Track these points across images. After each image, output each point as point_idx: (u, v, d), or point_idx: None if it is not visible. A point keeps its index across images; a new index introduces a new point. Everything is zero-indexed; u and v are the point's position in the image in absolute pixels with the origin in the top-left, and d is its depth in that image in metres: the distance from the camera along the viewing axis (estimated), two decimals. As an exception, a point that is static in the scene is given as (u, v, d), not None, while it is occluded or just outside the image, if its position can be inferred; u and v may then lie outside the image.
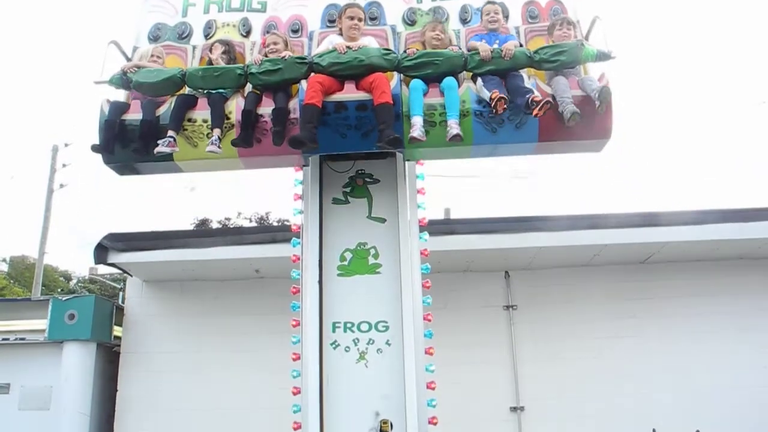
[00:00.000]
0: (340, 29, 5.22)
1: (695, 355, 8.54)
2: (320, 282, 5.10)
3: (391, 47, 5.18)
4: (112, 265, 8.66)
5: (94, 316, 8.67)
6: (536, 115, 4.50)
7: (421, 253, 5.21)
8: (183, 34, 5.58)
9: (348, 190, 5.32)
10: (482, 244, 8.12)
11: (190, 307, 9.02)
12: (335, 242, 5.20)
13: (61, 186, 23.47)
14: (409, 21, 5.54)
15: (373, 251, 5.18)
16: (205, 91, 4.96)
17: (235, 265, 8.51)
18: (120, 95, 5.15)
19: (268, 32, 5.44)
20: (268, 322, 8.14)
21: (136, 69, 5.01)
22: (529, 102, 4.50)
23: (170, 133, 4.79)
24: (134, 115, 4.92)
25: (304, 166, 5.32)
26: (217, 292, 9.01)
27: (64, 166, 23.61)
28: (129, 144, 4.89)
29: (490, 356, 8.58)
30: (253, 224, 22.67)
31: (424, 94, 4.75)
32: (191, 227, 22.59)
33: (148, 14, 5.68)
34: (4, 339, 8.83)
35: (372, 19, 5.47)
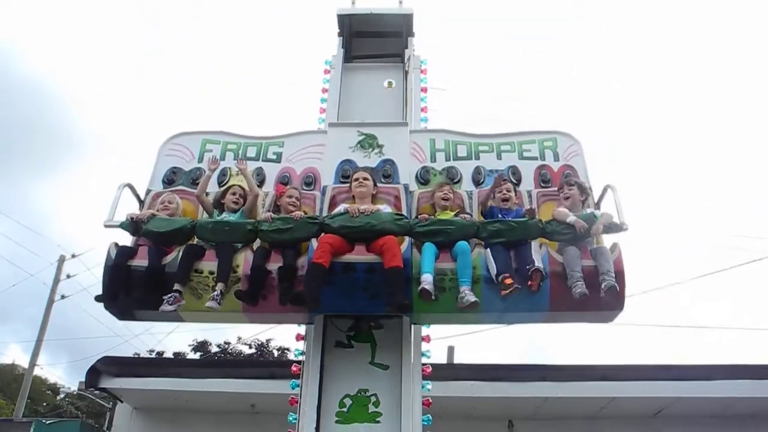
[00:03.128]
0: (353, 197, 5.24)
1: None
2: (317, 429, 4.86)
3: (404, 205, 5.22)
4: (103, 389, 8.44)
5: (77, 444, 8.29)
6: (503, 296, 4.48)
7: (424, 404, 5.02)
8: (197, 180, 5.58)
9: (352, 334, 5.14)
10: (485, 392, 7.92)
11: (179, 439, 8.66)
12: (335, 387, 4.96)
13: (63, 297, 23.27)
14: (423, 180, 5.58)
15: (373, 399, 4.95)
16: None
17: (230, 398, 8.27)
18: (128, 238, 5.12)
19: (282, 184, 5.51)
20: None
21: (148, 218, 5.00)
22: (499, 281, 4.51)
23: (176, 286, 4.70)
24: (141, 261, 4.85)
25: (308, 323, 5.21)
26: (210, 425, 8.69)
27: (68, 276, 23.52)
28: (133, 291, 4.79)
29: None
30: (253, 351, 22.17)
31: (436, 258, 4.69)
32: (189, 348, 22.13)
33: (165, 157, 5.77)
34: (-20, 463, 8.40)
35: (386, 176, 5.50)
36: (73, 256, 23.86)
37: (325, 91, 6.54)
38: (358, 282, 4.68)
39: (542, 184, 5.49)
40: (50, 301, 22.91)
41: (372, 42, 7.09)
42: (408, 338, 5.06)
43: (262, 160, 5.75)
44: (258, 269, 4.69)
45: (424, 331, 5.28)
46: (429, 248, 4.72)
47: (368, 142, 5.66)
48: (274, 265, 4.76)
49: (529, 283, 4.46)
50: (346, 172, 5.49)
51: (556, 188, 5.36)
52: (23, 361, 27.19)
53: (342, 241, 4.72)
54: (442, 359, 14.18)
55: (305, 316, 5.06)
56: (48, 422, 8.53)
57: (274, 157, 5.78)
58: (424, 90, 6.51)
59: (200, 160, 5.78)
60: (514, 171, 5.56)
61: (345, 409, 4.92)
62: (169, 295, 4.63)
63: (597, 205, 5.20)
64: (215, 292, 4.66)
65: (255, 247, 4.92)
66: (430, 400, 5.06)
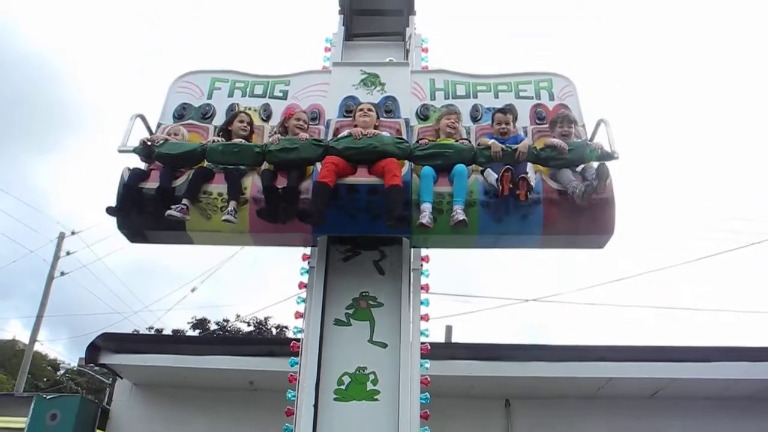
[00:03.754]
0: (355, 127, 5.39)
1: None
2: (315, 406, 4.88)
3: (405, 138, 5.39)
4: (103, 365, 8.48)
5: (77, 419, 8.35)
6: (500, 194, 4.72)
7: (422, 382, 5.03)
8: (206, 115, 5.82)
9: (351, 311, 5.14)
10: (483, 371, 7.96)
11: (180, 414, 8.74)
12: (334, 365, 4.98)
13: (62, 274, 23.34)
14: (422, 116, 5.79)
15: (372, 377, 4.96)
16: (223, 167, 5.12)
17: (229, 375, 8.33)
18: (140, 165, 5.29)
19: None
20: (259, 438, 7.81)
21: (161, 141, 5.20)
22: (497, 180, 4.74)
23: (184, 200, 4.91)
24: (152, 184, 5.05)
25: (312, 246, 5.39)
26: (209, 402, 8.74)
27: (68, 253, 23.58)
28: (144, 211, 5.00)
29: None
30: (251, 328, 22.27)
31: (434, 182, 4.90)
32: (188, 325, 22.25)
33: (175, 94, 5.96)
34: (-21, 437, 8.46)
35: (387, 112, 5.71)
36: (73, 233, 23.96)
37: (325, 68, 6.51)
38: (360, 203, 4.89)
39: (537, 121, 5.69)
40: (50, 278, 23.03)
41: (373, 20, 7.13)
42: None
43: (269, 97, 5.95)
44: (270, 188, 4.86)
45: (423, 309, 5.27)
46: (427, 174, 4.90)
47: (371, 80, 5.90)
48: (280, 186, 4.93)
49: (517, 192, 4.67)
50: (349, 107, 5.70)
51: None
52: (24, 337, 27.42)
53: (345, 163, 4.93)
54: (440, 338, 14.30)
55: (309, 238, 5.24)
56: (48, 397, 8.55)
57: (281, 94, 5.97)
58: (425, 69, 6.52)
59: (209, 96, 5.97)
60: (511, 108, 5.69)
61: (343, 387, 4.95)
62: (177, 206, 4.84)
63: (591, 139, 5.35)
64: (229, 207, 4.87)
65: (261, 170, 5.10)
66: (429, 379, 5.07)
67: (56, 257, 23.29)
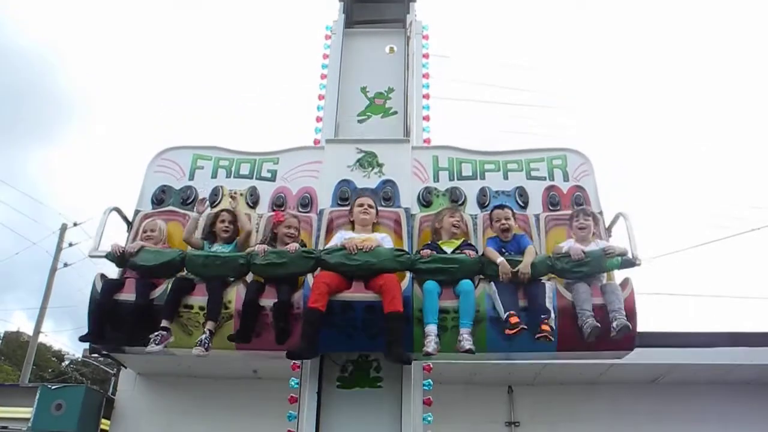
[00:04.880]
0: (352, 222, 5.02)
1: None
2: (319, 393, 4.90)
3: (404, 231, 5.00)
4: (107, 356, 8.50)
5: (83, 408, 8.38)
6: (508, 335, 4.27)
7: (424, 369, 5.03)
8: (188, 200, 5.36)
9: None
10: (486, 357, 7.92)
11: (184, 404, 8.75)
12: (337, 352, 5.01)
13: (65, 265, 23.35)
14: (425, 202, 5.30)
15: (375, 364, 4.99)
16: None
17: (232, 364, 8.28)
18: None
19: (277, 206, 5.28)
20: (264, 427, 7.82)
21: (137, 249, 4.77)
22: (505, 319, 4.31)
23: (164, 323, 4.47)
24: (128, 295, 4.63)
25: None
26: (213, 391, 8.77)
27: (70, 245, 23.59)
28: (120, 326, 4.59)
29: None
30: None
31: (438, 297, 4.48)
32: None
33: (154, 174, 5.51)
34: (-15, 426, 8.52)
35: (386, 200, 5.22)
36: (75, 224, 23.92)
37: (326, 56, 6.46)
38: (356, 322, 4.47)
39: (551, 207, 5.22)
40: (53, 269, 23.01)
41: (373, 7, 6.98)
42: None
43: (256, 178, 5.49)
44: (250, 304, 4.46)
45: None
46: (431, 290, 4.48)
47: (368, 161, 5.39)
48: (268, 300, 4.52)
49: (537, 336, 4.23)
50: (344, 194, 5.24)
51: (565, 212, 5.11)
52: (28, 329, 27.41)
53: (339, 278, 4.50)
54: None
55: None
56: (53, 387, 8.60)
57: (269, 175, 5.51)
58: (426, 56, 6.41)
59: (191, 176, 5.52)
60: (521, 192, 5.29)
61: (347, 374, 4.95)
62: (156, 334, 4.40)
63: (608, 231, 5.00)
64: (203, 335, 4.42)
65: (248, 281, 4.69)
66: (431, 366, 5.07)
67: (59, 248, 23.22)
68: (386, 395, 4.84)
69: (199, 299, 4.59)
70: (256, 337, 4.52)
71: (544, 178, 5.38)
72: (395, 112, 6.27)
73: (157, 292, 4.66)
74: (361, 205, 4.98)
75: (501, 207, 5.01)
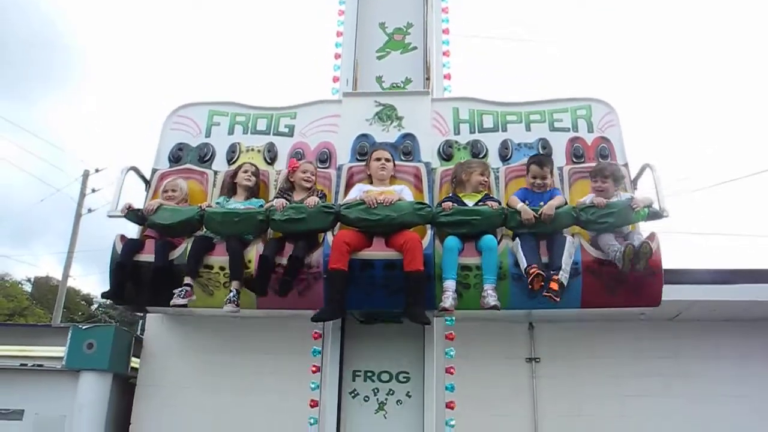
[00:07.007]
0: (369, 175, 4.92)
1: (722, 418, 8.24)
2: (342, 328, 5.01)
3: (425, 185, 4.91)
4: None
5: (113, 347, 8.57)
6: (531, 289, 4.23)
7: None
8: (205, 157, 5.31)
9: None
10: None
11: (210, 342, 8.89)
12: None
13: (90, 211, 23.73)
14: (445, 155, 5.18)
15: None
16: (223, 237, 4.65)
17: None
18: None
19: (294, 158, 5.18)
20: (289, 363, 7.97)
21: (155, 207, 4.72)
22: (525, 271, 4.25)
23: (187, 280, 4.46)
24: (148, 255, 4.62)
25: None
26: (238, 329, 8.92)
27: (93, 191, 23.91)
28: (141, 286, 4.60)
29: (510, 410, 8.36)
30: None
31: (459, 253, 4.39)
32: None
33: (170, 132, 5.45)
34: (21, 364, 8.78)
35: (405, 154, 5.12)
36: (97, 170, 24.20)
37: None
38: (376, 279, 4.41)
39: (574, 160, 5.08)
40: (78, 215, 23.42)
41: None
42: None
43: (274, 134, 5.42)
44: (265, 260, 4.41)
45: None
46: (451, 247, 4.37)
47: (386, 114, 5.31)
48: (285, 259, 4.47)
49: (545, 294, 4.16)
50: (363, 149, 5.13)
51: (590, 164, 4.96)
52: (57, 273, 28.07)
53: (359, 236, 4.43)
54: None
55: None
56: (84, 327, 8.83)
57: (286, 130, 5.43)
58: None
59: (208, 134, 5.45)
60: (545, 144, 5.14)
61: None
62: (180, 289, 4.41)
63: (634, 184, 4.87)
64: (231, 293, 4.41)
65: (267, 238, 4.65)
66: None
67: (82, 194, 23.60)
68: (408, 329, 4.89)
69: (219, 259, 4.55)
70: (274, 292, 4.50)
71: (568, 129, 5.24)
72: (415, 48, 6.06)
73: (177, 252, 4.63)
74: (378, 159, 4.88)
75: (540, 163, 4.78)
